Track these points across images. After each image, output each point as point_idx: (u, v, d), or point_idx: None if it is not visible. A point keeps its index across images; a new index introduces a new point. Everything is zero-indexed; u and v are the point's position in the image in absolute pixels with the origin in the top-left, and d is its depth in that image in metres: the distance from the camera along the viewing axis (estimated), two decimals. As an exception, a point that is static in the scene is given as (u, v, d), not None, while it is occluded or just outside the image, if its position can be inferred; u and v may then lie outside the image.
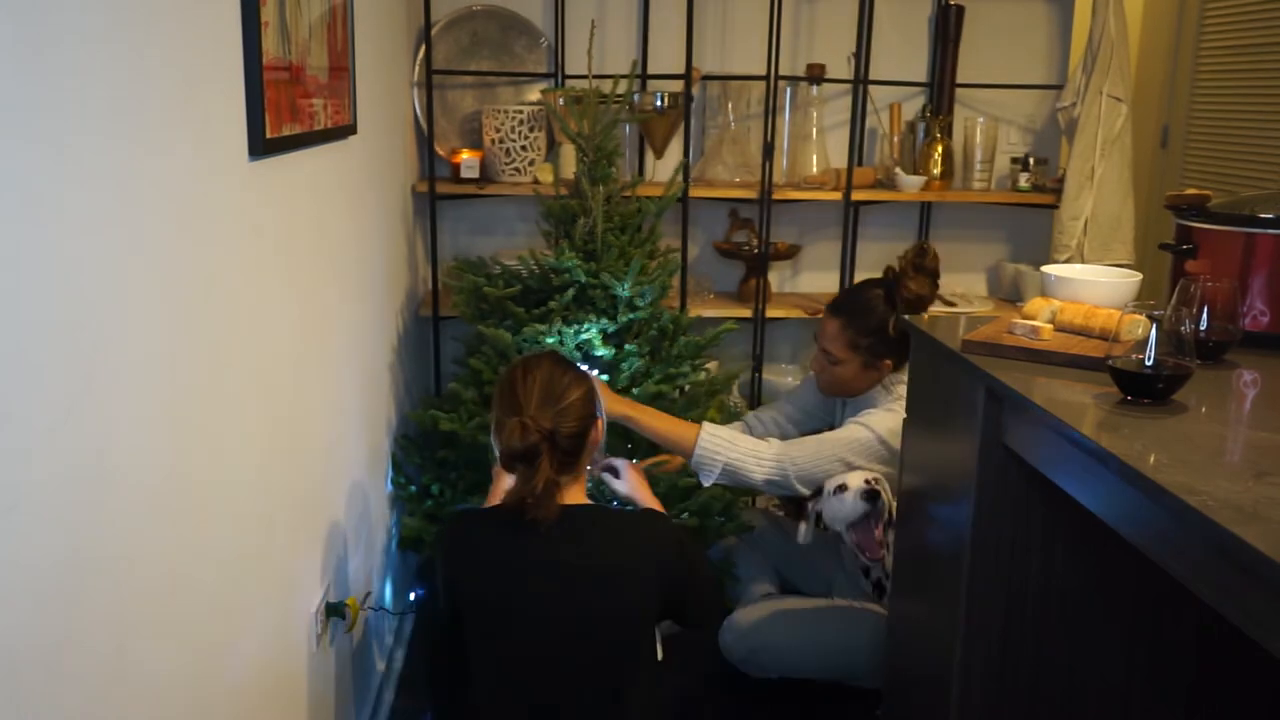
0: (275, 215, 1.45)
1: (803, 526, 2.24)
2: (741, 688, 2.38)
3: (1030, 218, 3.23)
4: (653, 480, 2.23)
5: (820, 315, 2.39)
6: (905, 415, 1.88)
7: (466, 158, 2.82)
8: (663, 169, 3.04)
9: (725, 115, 3.00)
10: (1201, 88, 3.37)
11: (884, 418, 2.18)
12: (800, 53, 3.08)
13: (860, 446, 2.17)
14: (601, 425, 1.68)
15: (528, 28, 2.97)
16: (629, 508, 1.91)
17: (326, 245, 1.75)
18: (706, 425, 2.20)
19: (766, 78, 2.84)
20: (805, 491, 2.20)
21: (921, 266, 2.29)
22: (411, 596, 2.45)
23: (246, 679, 1.35)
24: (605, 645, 1.58)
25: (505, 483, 1.70)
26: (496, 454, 1.59)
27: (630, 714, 1.61)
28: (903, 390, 2.01)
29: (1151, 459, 1.15)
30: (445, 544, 1.64)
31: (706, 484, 2.22)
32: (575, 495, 1.62)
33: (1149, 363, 1.33)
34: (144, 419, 1.02)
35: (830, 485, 2.15)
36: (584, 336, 2.30)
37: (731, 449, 2.18)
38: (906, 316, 1.89)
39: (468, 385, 2.42)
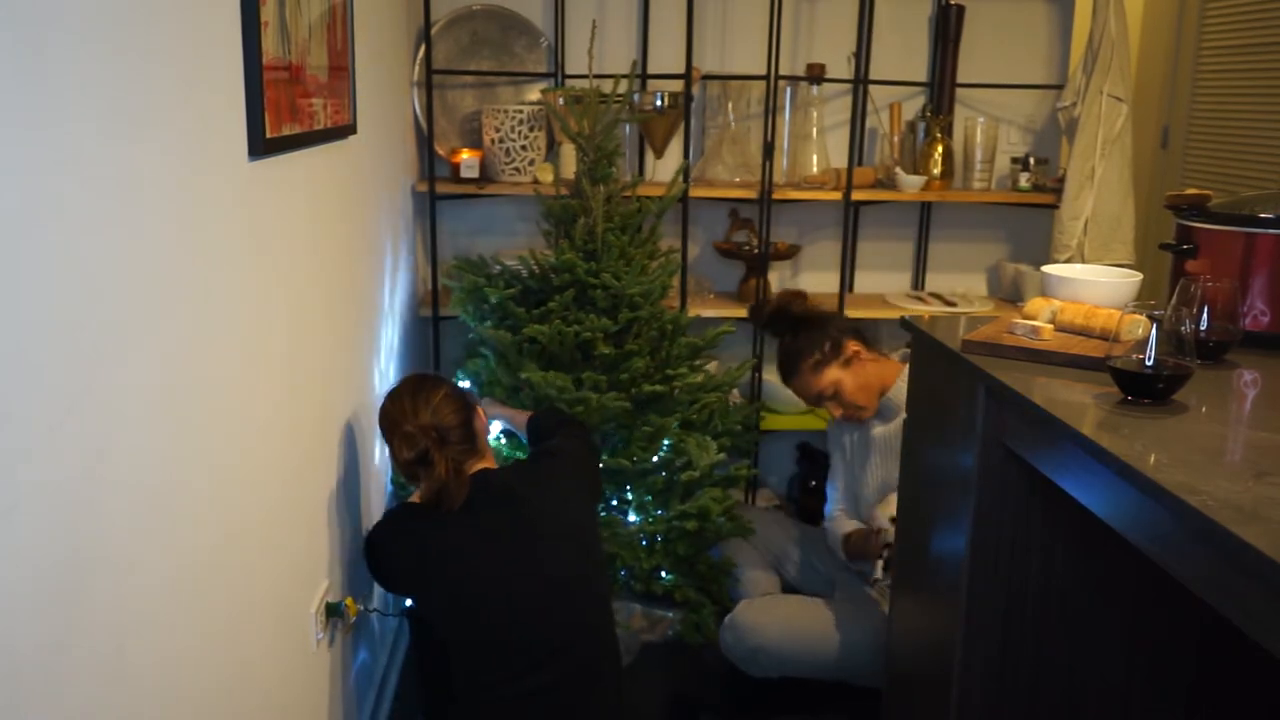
0: (275, 215, 1.44)
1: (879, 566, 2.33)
2: (742, 688, 2.39)
3: (1030, 218, 3.23)
4: (648, 473, 2.36)
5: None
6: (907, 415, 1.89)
7: (466, 158, 2.82)
8: (663, 169, 3.04)
9: (725, 115, 3.00)
10: (1201, 88, 3.37)
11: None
12: (800, 53, 3.08)
13: None
14: (482, 412, 1.91)
15: (528, 28, 2.97)
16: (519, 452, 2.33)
17: (326, 245, 1.75)
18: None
19: (766, 78, 2.84)
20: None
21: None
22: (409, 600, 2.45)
23: (246, 679, 1.35)
24: (576, 577, 1.80)
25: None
26: (400, 474, 1.80)
27: (611, 638, 1.86)
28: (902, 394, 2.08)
29: (1151, 459, 1.15)
30: (380, 568, 1.81)
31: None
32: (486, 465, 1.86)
33: (1149, 363, 1.33)
34: (144, 419, 1.02)
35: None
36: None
37: None
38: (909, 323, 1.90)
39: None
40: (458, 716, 1.80)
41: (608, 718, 1.83)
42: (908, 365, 2.33)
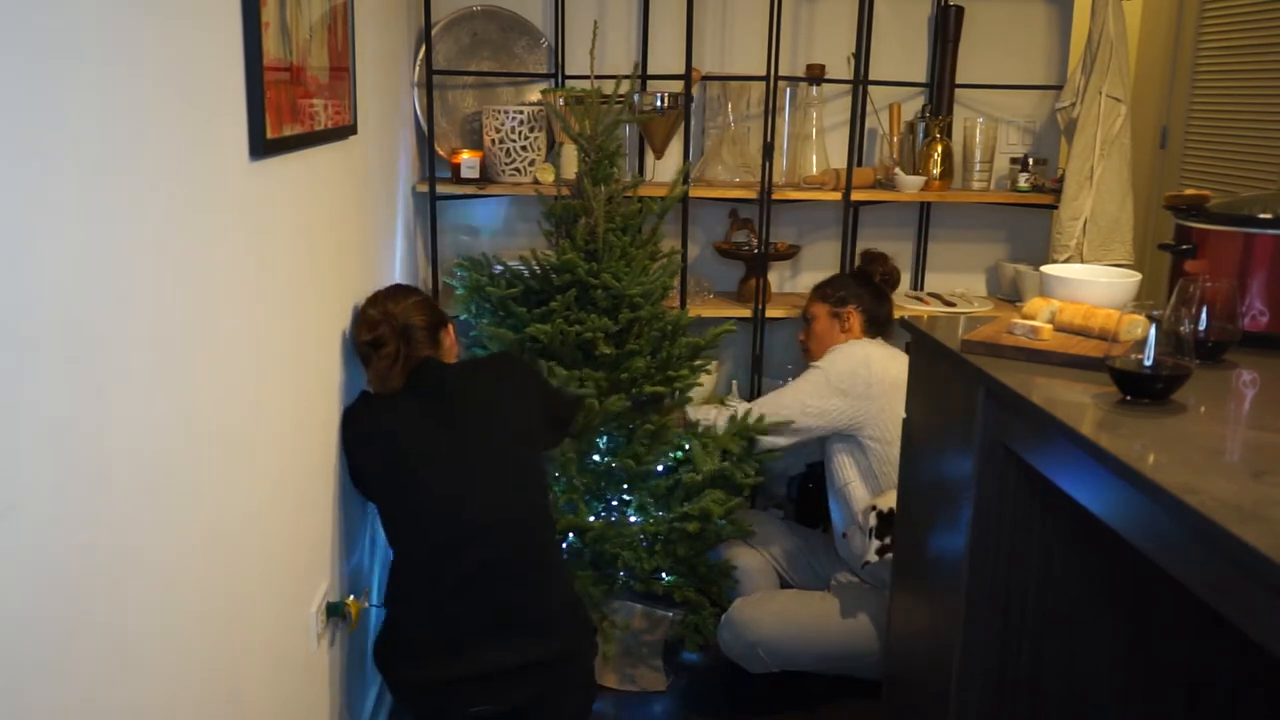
0: (276, 216, 1.45)
1: (859, 540, 2.33)
2: (742, 688, 2.39)
3: (1029, 218, 3.23)
4: (650, 475, 2.37)
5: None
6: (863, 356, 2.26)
7: (467, 158, 2.82)
8: (663, 169, 3.04)
9: (725, 115, 3.01)
10: (1201, 88, 3.37)
11: (835, 357, 2.43)
12: (800, 53, 3.09)
13: (812, 386, 2.42)
14: (452, 329, 2.00)
15: (528, 28, 2.97)
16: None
17: (327, 245, 1.75)
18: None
19: (766, 78, 2.84)
20: (779, 441, 2.44)
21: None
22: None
23: (247, 678, 1.36)
24: (510, 472, 1.85)
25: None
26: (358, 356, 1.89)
27: (549, 543, 1.92)
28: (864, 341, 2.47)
29: (1150, 459, 1.15)
30: (343, 437, 1.87)
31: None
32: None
33: (1148, 363, 1.33)
34: (144, 419, 1.02)
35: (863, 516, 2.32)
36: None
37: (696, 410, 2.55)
38: (905, 317, 1.92)
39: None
40: (397, 613, 1.83)
41: (538, 616, 1.83)
42: (865, 344, 2.48)
